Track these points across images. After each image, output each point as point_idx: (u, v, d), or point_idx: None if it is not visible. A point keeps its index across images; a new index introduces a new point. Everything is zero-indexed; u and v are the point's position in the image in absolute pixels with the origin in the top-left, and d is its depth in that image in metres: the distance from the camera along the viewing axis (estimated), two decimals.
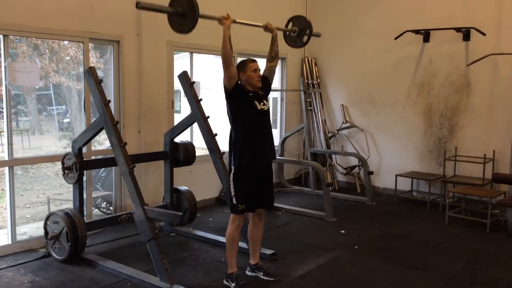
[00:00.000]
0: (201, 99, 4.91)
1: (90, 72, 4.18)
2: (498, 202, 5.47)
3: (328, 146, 7.61)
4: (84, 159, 4.50)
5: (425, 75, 6.76)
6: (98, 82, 4.16)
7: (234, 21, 3.74)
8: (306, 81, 7.72)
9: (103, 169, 5.78)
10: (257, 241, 3.99)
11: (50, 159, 5.59)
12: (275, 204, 6.08)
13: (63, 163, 4.44)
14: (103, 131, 4.18)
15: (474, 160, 6.17)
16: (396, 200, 6.67)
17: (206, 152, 4.93)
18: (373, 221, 5.76)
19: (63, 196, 6.96)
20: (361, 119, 7.45)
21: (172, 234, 5.14)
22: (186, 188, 5.27)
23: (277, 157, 6.98)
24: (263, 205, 3.85)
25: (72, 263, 4.18)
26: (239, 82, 3.69)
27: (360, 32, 7.30)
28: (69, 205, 4.74)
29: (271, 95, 4.26)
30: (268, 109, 3.83)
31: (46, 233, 4.33)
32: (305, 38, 4.46)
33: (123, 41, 5.21)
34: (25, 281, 3.85)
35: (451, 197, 6.09)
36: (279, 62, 7.64)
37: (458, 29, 6.25)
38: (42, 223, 4.41)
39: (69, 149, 4.56)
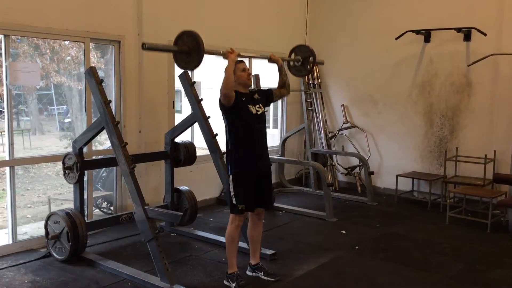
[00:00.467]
0: (201, 99, 4.92)
1: (91, 72, 4.18)
2: (499, 203, 5.46)
3: (329, 146, 7.61)
4: (85, 159, 4.50)
5: (426, 75, 6.76)
6: (99, 82, 4.16)
7: (239, 55, 3.74)
8: (306, 81, 7.71)
9: (103, 169, 5.78)
10: (257, 241, 3.99)
11: (51, 159, 5.59)
12: (276, 204, 6.12)
13: (64, 163, 4.44)
14: (104, 131, 4.18)
15: (475, 160, 6.17)
16: (397, 200, 6.67)
17: (207, 152, 4.93)
18: (373, 221, 5.75)
19: (63, 196, 6.95)
20: (362, 119, 7.45)
21: (172, 234, 5.14)
22: (187, 188, 5.27)
23: (277, 157, 7.01)
24: (263, 204, 3.86)
25: (72, 263, 4.19)
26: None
27: (361, 32, 7.30)
28: (69, 205, 4.74)
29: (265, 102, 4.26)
30: (263, 112, 3.82)
31: (47, 233, 4.33)
32: (309, 66, 4.47)
33: (124, 41, 5.21)
34: (26, 281, 3.85)
35: (452, 198, 6.08)
36: None
37: (459, 29, 6.24)
38: (42, 223, 4.42)
39: (70, 149, 4.56)
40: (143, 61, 5.39)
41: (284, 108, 7.79)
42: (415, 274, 4.11)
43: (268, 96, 3.96)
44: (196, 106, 4.83)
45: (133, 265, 4.12)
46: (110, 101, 4.16)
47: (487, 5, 6.15)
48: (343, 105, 7.59)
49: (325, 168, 7.37)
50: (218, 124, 5.21)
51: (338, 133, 7.63)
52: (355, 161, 7.43)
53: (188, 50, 3.53)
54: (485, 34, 6.02)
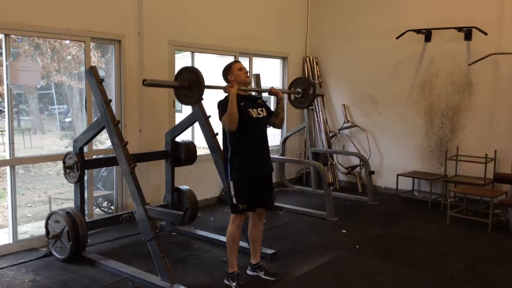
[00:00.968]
0: (202, 99, 4.90)
1: (92, 72, 4.18)
2: (500, 202, 5.46)
3: (330, 146, 7.61)
4: (85, 158, 4.50)
5: (427, 74, 6.75)
6: (99, 81, 4.16)
7: (239, 89, 3.71)
8: None
9: (104, 168, 5.78)
10: (258, 240, 3.99)
11: (52, 158, 5.59)
12: (276, 204, 6.13)
13: (64, 162, 4.45)
14: (104, 130, 4.18)
15: (476, 159, 6.16)
16: (397, 199, 6.66)
17: (207, 151, 4.93)
18: (374, 220, 5.75)
19: (64, 195, 6.96)
20: (363, 119, 7.45)
21: (173, 233, 5.14)
22: (187, 187, 5.28)
23: (278, 157, 7.01)
24: (263, 204, 3.86)
25: (73, 262, 4.19)
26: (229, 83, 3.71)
27: (361, 32, 7.29)
28: (70, 204, 4.75)
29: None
30: (265, 116, 3.79)
31: (47, 232, 4.33)
32: (310, 97, 4.45)
33: (125, 40, 5.21)
34: (26, 280, 3.86)
35: (453, 197, 6.08)
36: (281, 61, 7.65)
37: (459, 29, 6.24)
38: (43, 222, 4.42)
39: (70, 149, 4.56)
40: (143, 60, 5.39)
41: (285, 107, 7.77)
42: (415, 274, 4.11)
43: (269, 112, 3.90)
44: (196, 105, 4.83)
45: (134, 264, 4.12)
46: (110, 100, 4.16)
47: (488, 4, 6.14)
48: (343, 104, 7.59)
49: (326, 167, 7.37)
50: (218, 124, 5.21)
51: (339, 132, 7.63)
52: (355, 161, 7.43)
53: (189, 85, 3.54)
54: (486, 34, 6.01)
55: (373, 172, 6.74)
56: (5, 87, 4.39)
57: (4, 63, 4.32)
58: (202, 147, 5.90)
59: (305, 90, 4.34)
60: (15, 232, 4.53)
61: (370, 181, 6.65)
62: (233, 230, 3.76)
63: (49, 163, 8.04)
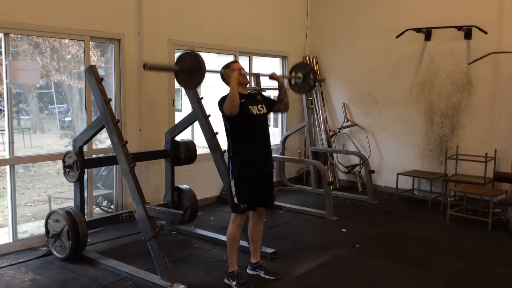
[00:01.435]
0: (202, 98, 4.91)
1: (91, 71, 4.18)
2: (500, 201, 5.46)
3: (329, 145, 7.60)
4: (85, 157, 4.50)
5: (427, 73, 6.75)
6: (99, 80, 4.15)
7: (240, 74, 3.72)
8: None
9: (104, 167, 5.78)
10: (258, 239, 3.99)
11: (51, 157, 5.59)
12: (276, 203, 6.13)
13: (64, 162, 4.44)
14: (104, 129, 4.18)
15: (476, 158, 6.16)
16: (397, 198, 6.66)
17: (207, 150, 4.93)
18: (374, 219, 5.75)
19: (64, 194, 6.96)
20: (362, 118, 7.45)
21: (173, 232, 5.14)
22: (187, 186, 5.27)
23: (278, 156, 7.01)
24: (264, 204, 3.86)
25: (73, 262, 4.19)
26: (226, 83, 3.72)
27: (361, 31, 7.29)
28: (70, 204, 4.75)
29: (273, 92, 4.24)
30: (265, 113, 3.80)
31: (47, 231, 4.33)
32: (311, 82, 4.45)
33: (124, 39, 5.21)
34: (26, 280, 3.85)
35: (453, 196, 6.08)
36: (280, 60, 7.65)
37: (459, 28, 6.23)
38: (43, 222, 4.41)
39: (70, 148, 4.56)
40: (143, 59, 5.38)
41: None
42: (415, 273, 4.11)
43: (271, 103, 3.93)
44: (196, 104, 4.83)
45: (134, 263, 4.12)
46: (110, 99, 4.16)
47: (488, 3, 6.14)
48: (343, 103, 7.59)
49: (326, 166, 7.37)
50: (218, 123, 5.20)
51: (339, 131, 7.63)
52: (355, 160, 7.43)
53: (189, 69, 3.54)
54: (485, 32, 6.01)
55: (373, 171, 6.73)
56: (4, 86, 4.39)
57: (4, 62, 4.31)
58: (202, 146, 5.90)
59: (306, 75, 4.34)
60: (15, 231, 4.53)
61: (370, 180, 6.65)
62: (234, 230, 3.76)
63: (49, 162, 8.03)
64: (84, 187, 4.58)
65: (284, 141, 7.46)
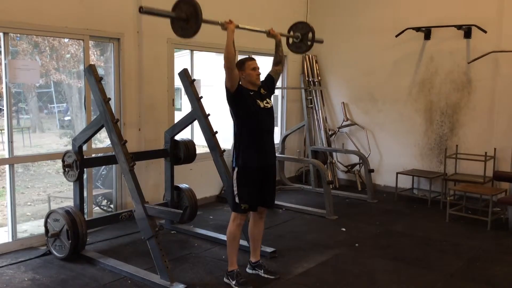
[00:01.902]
0: (201, 97, 4.91)
1: (91, 70, 4.18)
2: (499, 200, 5.46)
3: (329, 144, 7.61)
4: (85, 157, 4.49)
5: (426, 72, 6.75)
6: (99, 80, 4.15)
7: (237, 27, 3.73)
8: (306, 78, 7.71)
9: (103, 167, 5.78)
10: (258, 239, 3.99)
11: (51, 157, 5.59)
12: (276, 202, 6.09)
13: (63, 161, 4.44)
14: (104, 129, 4.18)
15: (475, 158, 6.17)
16: (397, 198, 6.67)
17: (207, 150, 4.93)
18: (373, 219, 5.75)
19: (63, 194, 6.95)
20: (362, 117, 7.45)
21: (172, 232, 5.14)
22: (187, 186, 5.28)
23: (278, 155, 7.00)
24: (265, 203, 3.86)
25: (72, 261, 4.19)
26: (240, 83, 3.69)
27: (361, 30, 7.28)
28: (69, 203, 4.74)
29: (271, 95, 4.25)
30: (272, 107, 3.82)
31: (47, 231, 4.33)
32: (308, 43, 4.44)
33: (124, 38, 5.20)
34: (26, 279, 3.85)
35: (452, 195, 6.08)
36: None
37: (459, 27, 6.23)
38: (42, 221, 4.41)
39: (69, 147, 4.56)
40: (142, 58, 5.39)
41: (284, 106, 7.79)
42: (415, 272, 4.11)
43: (271, 84, 3.94)
44: (196, 103, 4.83)
45: (133, 263, 4.12)
46: (109, 99, 4.16)
47: (488, 2, 6.14)
48: (343, 102, 7.59)
49: (325, 165, 7.37)
50: (218, 122, 5.22)
51: (338, 130, 7.63)
52: (355, 159, 7.43)
53: (186, 17, 3.51)
54: (485, 32, 6.01)
55: (372, 170, 6.74)
56: (4, 85, 4.38)
57: (3, 62, 4.31)
58: (201, 146, 5.90)
59: (304, 35, 4.33)
60: (14, 231, 4.53)
61: (370, 179, 6.65)
62: (234, 229, 3.76)
63: (48, 162, 8.04)
64: (84, 187, 4.58)
65: (283, 140, 7.46)
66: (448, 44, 6.48)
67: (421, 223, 5.60)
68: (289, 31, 4.42)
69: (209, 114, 4.83)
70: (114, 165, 5.32)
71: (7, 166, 4.48)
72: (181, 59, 6.80)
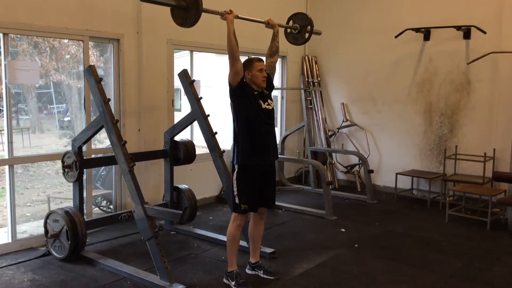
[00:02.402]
0: (201, 98, 4.91)
1: (90, 71, 4.18)
2: (498, 201, 5.46)
3: (329, 145, 7.61)
4: (84, 157, 4.49)
5: (426, 73, 6.75)
6: (98, 80, 4.15)
7: (237, 17, 3.74)
8: (306, 79, 7.71)
9: (103, 167, 5.78)
10: (258, 239, 3.99)
11: (50, 157, 5.59)
12: (276, 203, 6.10)
13: (63, 162, 4.44)
14: (103, 129, 4.18)
15: (475, 158, 6.17)
16: (396, 198, 6.67)
17: (206, 150, 4.93)
18: (373, 219, 5.76)
19: (63, 194, 6.95)
20: (362, 118, 7.45)
21: (172, 232, 5.14)
22: (186, 186, 5.28)
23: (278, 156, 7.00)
24: (265, 204, 3.86)
25: (72, 262, 4.19)
26: (244, 79, 3.69)
27: (360, 31, 7.29)
28: (69, 204, 4.75)
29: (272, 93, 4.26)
30: (273, 108, 3.82)
31: (46, 231, 4.33)
32: (306, 35, 4.44)
33: (123, 39, 5.21)
34: (25, 280, 3.85)
35: (451, 196, 6.08)
36: (280, 60, 7.64)
37: (458, 27, 6.24)
38: (42, 222, 4.41)
39: (69, 148, 4.56)
40: (142, 59, 5.39)
41: (284, 106, 7.79)
42: (414, 272, 4.11)
43: (270, 81, 3.91)
44: (195, 104, 4.83)
45: (133, 263, 4.12)
46: (109, 99, 4.16)
47: (487, 3, 6.14)
48: (342, 103, 7.59)
49: (325, 166, 7.37)
50: (217, 123, 5.23)
51: (338, 131, 7.63)
52: (354, 160, 7.43)
53: (186, 6, 3.51)
54: (484, 32, 6.01)
55: (372, 171, 6.74)
56: (3, 86, 4.38)
57: (3, 62, 4.31)
58: (201, 146, 5.90)
59: (303, 27, 4.34)
60: (14, 231, 4.53)
61: (369, 180, 6.66)
62: (234, 229, 3.76)
63: (48, 162, 8.03)
64: (83, 187, 4.59)
65: (283, 141, 7.46)
66: (447, 45, 6.49)
67: (421, 223, 5.60)
68: (288, 20, 4.42)
69: (208, 115, 4.83)
70: (113, 165, 5.33)
71: (6, 167, 4.48)
72: (181, 60, 6.80)
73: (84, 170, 4.61)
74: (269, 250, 4.40)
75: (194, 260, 4.33)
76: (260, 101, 3.71)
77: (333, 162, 7.66)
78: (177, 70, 5.32)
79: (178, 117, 5.50)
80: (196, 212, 5.23)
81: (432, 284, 3.90)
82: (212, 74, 8.86)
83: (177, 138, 5.18)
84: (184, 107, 8.94)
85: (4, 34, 4.26)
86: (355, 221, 5.68)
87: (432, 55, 6.66)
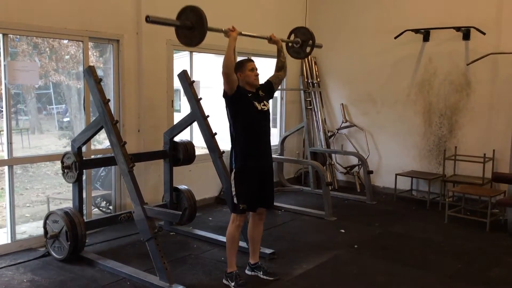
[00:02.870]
0: (200, 98, 4.91)
1: (90, 71, 4.18)
2: (498, 202, 5.47)
3: (328, 145, 7.61)
4: (84, 158, 4.49)
5: (425, 74, 6.76)
6: (98, 81, 4.16)
7: (240, 34, 3.74)
8: (306, 80, 7.71)
9: (102, 168, 5.77)
10: (257, 240, 3.99)
11: (50, 158, 5.59)
12: (275, 204, 6.10)
13: (62, 162, 4.44)
14: (103, 130, 4.18)
15: (474, 159, 6.17)
16: (396, 199, 6.67)
17: (206, 151, 4.93)
18: (372, 220, 5.76)
19: (62, 195, 6.94)
20: (361, 118, 7.45)
21: (171, 233, 5.14)
22: (186, 187, 5.27)
23: (277, 156, 7.01)
24: (264, 204, 3.86)
25: (71, 262, 4.18)
26: (239, 84, 3.69)
27: (360, 31, 7.29)
28: (68, 204, 4.74)
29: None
30: (268, 109, 3.83)
31: (46, 232, 4.33)
32: (308, 49, 4.46)
33: (123, 40, 5.21)
34: (25, 280, 3.85)
35: (451, 196, 6.08)
36: None
37: (458, 28, 6.24)
38: (41, 222, 4.41)
39: (68, 148, 4.56)
40: (142, 60, 5.39)
41: (283, 107, 7.79)
42: (414, 273, 4.12)
43: (270, 89, 3.95)
44: (195, 105, 4.83)
45: (132, 264, 4.12)
46: (109, 100, 4.16)
47: (486, 4, 6.15)
48: (342, 104, 7.59)
49: (324, 167, 7.36)
50: (217, 123, 5.22)
51: (337, 132, 7.64)
52: (354, 160, 7.43)
53: (191, 26, 3.51)
54: (484, 33, 6.02)
55: (371, 172, 6.74)
56: (3, 86, 4.38)
57: (2, 63, 4.31)
58: (200, 147, 5.89)
59: (304, 42, 4.35)
60: (13, 232, 4.53)
61: (369, 181, 6.66)
62: (233, 230, 3.76)
63: (47, 163, 8.02)
64: (83, 188, 4.58)
65: (282, 141, 7.46)
66: (447, 46, 6.49)
67: (420, 224, 5.60)
68: (290, 34, 4.43)
69: (208, 116, 4.83)
70: (113, 166, 5.32)
71: (6, 167, 4.48)
72: (181, 61, 6.80)
73: (84, 170, 4.60)
74: (268, 250, 4.40)
75: (194, 260, 4.33)
76: (255, 102, 3.71)
77: (333, 163, 7.66)
78: (176, 70, 5.32)
79: (177, 117, 5.50)
80: (195, 212, 5.23)
81: (432, 284, 3.91)
82: (212, 75, 8.86)
83: (177, 138, 5.18)
84: (183, 108, 8.93)
85: (4, 35, 4.26)
86: (355, 222, 5.68)
87: (432, 56, 6.66)
